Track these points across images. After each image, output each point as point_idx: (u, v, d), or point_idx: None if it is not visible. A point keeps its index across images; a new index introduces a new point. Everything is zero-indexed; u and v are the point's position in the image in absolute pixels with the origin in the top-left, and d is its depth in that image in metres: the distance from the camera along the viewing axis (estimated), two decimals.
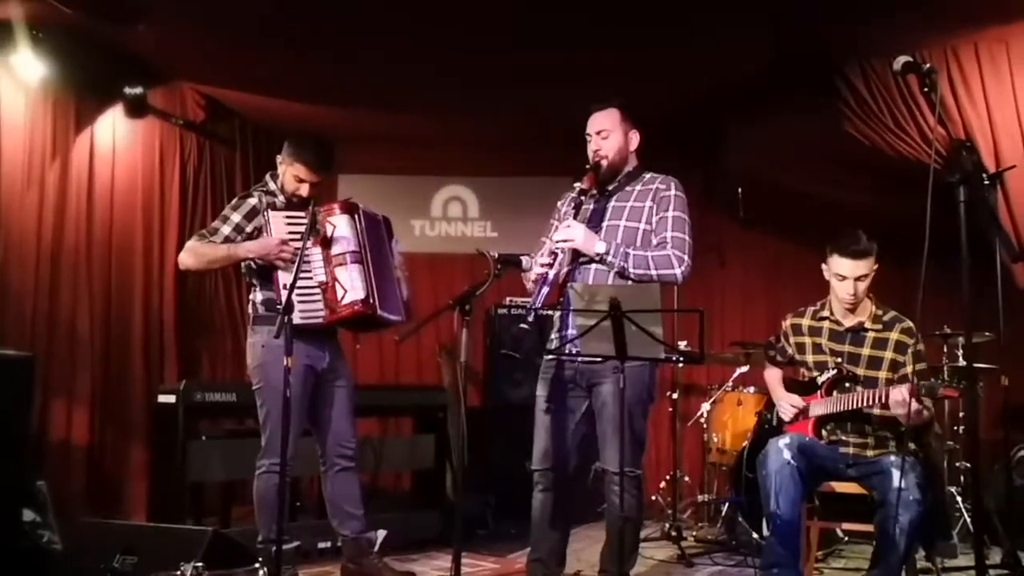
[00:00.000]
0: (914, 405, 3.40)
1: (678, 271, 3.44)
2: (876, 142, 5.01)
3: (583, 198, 3.53)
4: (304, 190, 3.87)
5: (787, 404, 3.84)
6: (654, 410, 6.71)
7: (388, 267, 3.99)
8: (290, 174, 3.89)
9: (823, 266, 3.75)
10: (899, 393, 3.44)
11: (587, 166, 3.56)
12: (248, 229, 3.84)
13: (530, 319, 3.22)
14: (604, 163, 3.54)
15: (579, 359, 3.45)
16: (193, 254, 3.84)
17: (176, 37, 4.98)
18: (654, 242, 3.50)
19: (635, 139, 3.62)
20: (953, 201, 2.76)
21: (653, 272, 3.42)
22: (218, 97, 5.97)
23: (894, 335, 3.66)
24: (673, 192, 3.54)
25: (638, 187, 3.58)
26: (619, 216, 3.54)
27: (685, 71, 5.41)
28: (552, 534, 3.55)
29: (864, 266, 3.61)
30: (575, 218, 3.49)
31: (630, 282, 3.41)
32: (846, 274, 3.63)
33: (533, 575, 3.56)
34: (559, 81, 5.32)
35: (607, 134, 3.56)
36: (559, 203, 3.76)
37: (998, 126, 4.54)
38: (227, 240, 3.82)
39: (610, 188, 3.60)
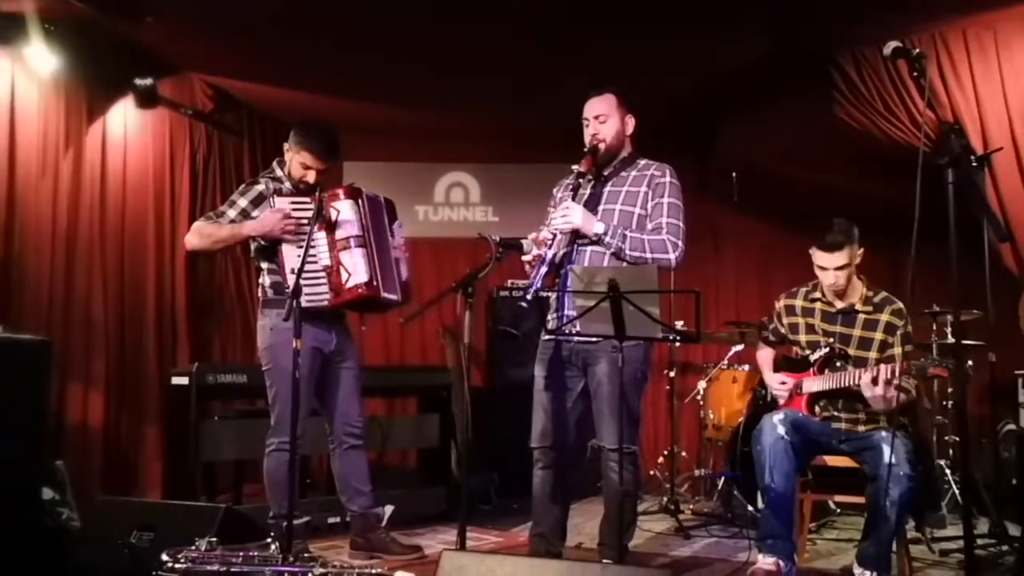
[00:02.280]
0: (880, 390, 3.40)
1: (672, 256, 3.43)
2: (867, 127, 4.99)
3: (581, 180, 3.52)
4: (310, 177, 3.87)
5: (777, 384, 3.84)
6: (651, 388, 6.76)
7: (389, 249, 3.98)
8: (296, 161, 3.88)
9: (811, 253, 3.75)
10: (869, 375, 3.45)
11: (585, 149, 3.54)
12: (254, 214, 3.83)
13: (528, 298, 3.21)
14: (602, 146, 3.52)
15: (575, 339, 3.45)
16: (198, 234, 3.85)
17: (184, 29, 4.95)
18: (649, 227, 3.48)
19: (631, 124, 3.60)
20: (942, 183, 2.75)
21: (648, 255, 3.40)
22: (226, 88, 5.95)
23: (884, 316, 3.66)
24: (668, 179, 3.53)
25: (633, 173, 3.57)
26: (615, 200, 3.52)
27: (682, 61, 5.37)
28: (553, 509, 3.56)
29: (841, 256, 3.60)
30: (573, 199, 3.48)
31: (625, 264, 3.41)
32: (825, 265, 3.64)
33: (536, 549, 3.56)
34: (558, 72, 5.29)
35: (604, 118, 3.53)
36: (555, 190, 3.74)
37: (985, 109, 4.52)
38: (232, 223, 3.82)
39: (606, 173, 3.58)
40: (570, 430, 3.56)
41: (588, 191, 3.58)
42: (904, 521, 3.50)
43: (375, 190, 4.03)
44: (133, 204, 5.41)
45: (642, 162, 3.60)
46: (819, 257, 3.65)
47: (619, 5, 4.55)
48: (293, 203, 3.77)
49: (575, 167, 3.52)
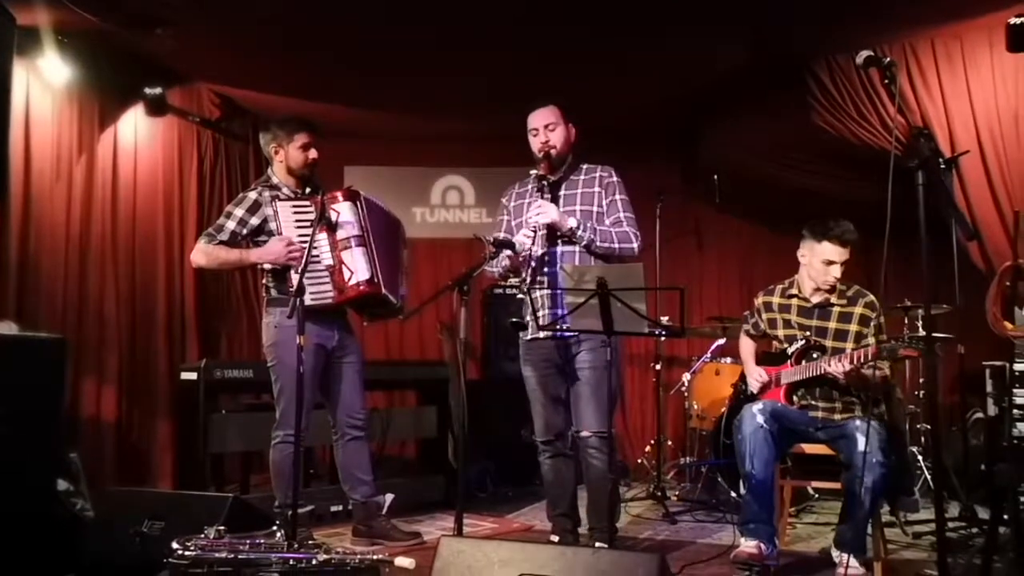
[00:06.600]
0: (846, 367, 3.43)
1: (635, 244, 3.59)
2: (841, 131, 4.99)
3: (544, 183, 3.58)
4: (314, 153, 3.88)
5: (755, 377, 3.86)
6: (638, 381, 6.75)
7: (395, 256, 3.98)
8: (295, 149, 3.86)
9: (800, 251, 3.74)
10: (842, 366, 3.47)
11: (539, 155, 3.60)
12: (253, 222, 3.80)
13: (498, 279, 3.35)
14: (554, 152, 3.61)
15: (552, 336, 3.51)
16: (205, 255, 3.80)
17: (193, 41, 4.93)
18: (608, 222, 3.60)
19: (573, 132, 3.71)
20: (913, 185, 2.75)
21: (616, 246, 3.54)
22: (232, 96, 5.93)
23: (858, 309, 3.67)
24: (615, 178, 3.68)
25: (582, 176, 3.68)
26: (572, 203, 3.62)
27: (668, 69, 5.38)
28: (567, 490, 3.69)
29: (848, 252, 3.62)
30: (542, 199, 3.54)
31: (594, 260, 3.50)
32: (835, 259, 3.62)
33: (562, 527, 3.68)
34: (549, 80, 5.28)
35: (553, 126, 3.63)
36: (503, 199, 3.85)
37: (953, 115, 4.54)
38: (233, 234, 3.79)
39: (555, 179, 3.65)
40: (567, 420, 3.63)
41: (548, 196, 3.62)
42: (878, 506, 3.50)
43: (375, 193, 4.01)
44: (143, 208, 5.39)
45: (585, 166, 3.72)
46: (830, 251, 3.61)
47: (605, 13, 4.54)
48: (294, 206, 3.75)
49: (534, 172, 3.59)
